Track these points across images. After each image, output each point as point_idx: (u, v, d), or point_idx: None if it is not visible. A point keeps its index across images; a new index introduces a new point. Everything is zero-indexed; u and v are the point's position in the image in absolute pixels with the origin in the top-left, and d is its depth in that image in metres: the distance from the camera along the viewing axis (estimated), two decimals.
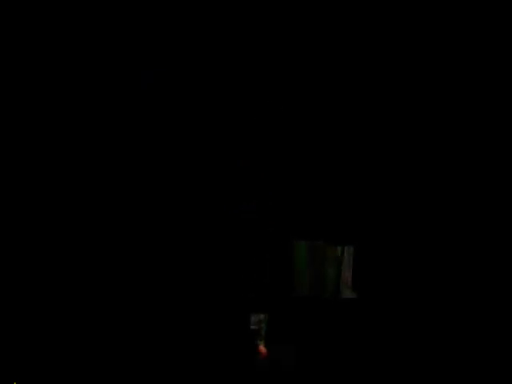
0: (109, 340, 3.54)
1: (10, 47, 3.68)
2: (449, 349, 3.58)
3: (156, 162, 3.73)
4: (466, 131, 3.66)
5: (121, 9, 3.70)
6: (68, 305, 3.59)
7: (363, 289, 3.63)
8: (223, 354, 3.55)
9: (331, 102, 3.68)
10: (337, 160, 3.70)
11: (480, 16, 3.62)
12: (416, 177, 3.68)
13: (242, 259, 3.59)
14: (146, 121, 3.74)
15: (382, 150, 3.67)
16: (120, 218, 3.66)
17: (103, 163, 3.71)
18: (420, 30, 3.64)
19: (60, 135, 3.71)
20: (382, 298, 3.63)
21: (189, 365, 3.54)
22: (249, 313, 3.57)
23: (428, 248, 3.64)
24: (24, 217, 3.67)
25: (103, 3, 3.69)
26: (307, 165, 3.70)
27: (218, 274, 3.59)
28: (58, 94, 3.71)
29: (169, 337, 3.56)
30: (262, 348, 3.58)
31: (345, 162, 3.69)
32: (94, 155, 3.72)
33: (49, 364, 3.44)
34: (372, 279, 3.66)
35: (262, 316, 3.59)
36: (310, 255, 3.63)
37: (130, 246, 3.63)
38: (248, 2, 3.68)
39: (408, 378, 3.55)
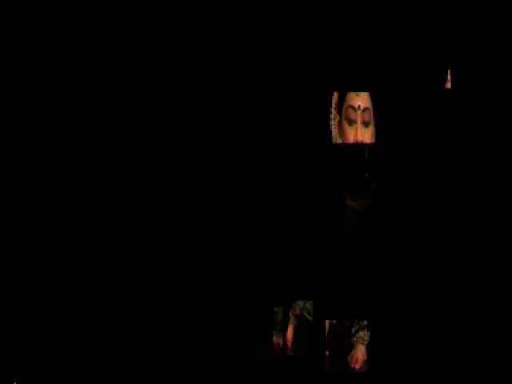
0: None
1: (10, 48, 3.70)
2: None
3: (156, 162, 3.75)
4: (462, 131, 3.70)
5: (120, 9, 3.73)
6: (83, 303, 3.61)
7: None
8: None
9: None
10: None
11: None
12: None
13: None
14: (145, 120, 3.76)
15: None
16: (125, 219, 3.68)
17: (103, 163, 3.73)
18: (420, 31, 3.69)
19: (60, 135, 3.73)
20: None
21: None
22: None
23: None
24: (24, 217, 3.68)
25: (103, 3, 3.72)
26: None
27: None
28: (57, 95, 3.73)
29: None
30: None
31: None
32: (94, 155, 3.73)
33: (49, 364, 3.43)
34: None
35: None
36: None
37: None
38: (247, 2, 3.73)
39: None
